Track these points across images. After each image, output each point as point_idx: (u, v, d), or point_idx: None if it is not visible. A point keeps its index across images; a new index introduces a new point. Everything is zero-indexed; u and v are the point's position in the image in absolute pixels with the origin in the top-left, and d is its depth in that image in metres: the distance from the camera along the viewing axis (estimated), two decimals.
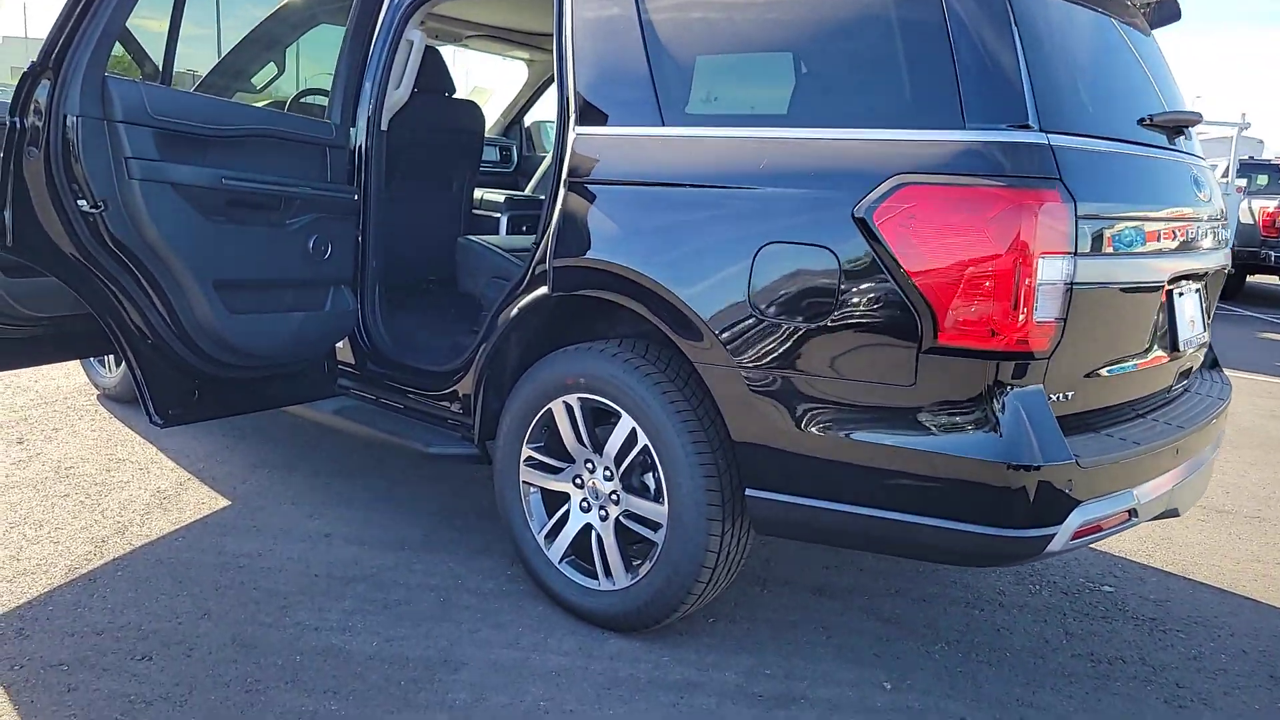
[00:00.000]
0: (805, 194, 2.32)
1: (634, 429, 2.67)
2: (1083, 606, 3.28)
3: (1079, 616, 3.20)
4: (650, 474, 2.76)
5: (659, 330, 2.80)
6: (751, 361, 2.38)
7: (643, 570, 2.71)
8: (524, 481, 2.98)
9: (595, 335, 3.14)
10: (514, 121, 5.64)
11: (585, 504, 2.87)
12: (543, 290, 2.85)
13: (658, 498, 2.68)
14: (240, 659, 2.58)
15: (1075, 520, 2.20)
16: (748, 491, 2.46)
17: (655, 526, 2.69)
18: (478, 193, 4.53)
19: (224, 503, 3.63)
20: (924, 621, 3.07)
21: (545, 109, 6.28)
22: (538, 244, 2.89)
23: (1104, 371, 2.37)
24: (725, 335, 2.41)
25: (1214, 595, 3.45)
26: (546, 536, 2.95)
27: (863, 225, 2.21)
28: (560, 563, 2.91)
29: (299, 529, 3.44)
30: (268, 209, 3.02)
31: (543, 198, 4.70)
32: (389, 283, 3.68)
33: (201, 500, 3.63)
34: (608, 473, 2.79)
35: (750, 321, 2.37)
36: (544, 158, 5.66)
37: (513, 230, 4.27)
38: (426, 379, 3.33)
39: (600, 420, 2.89)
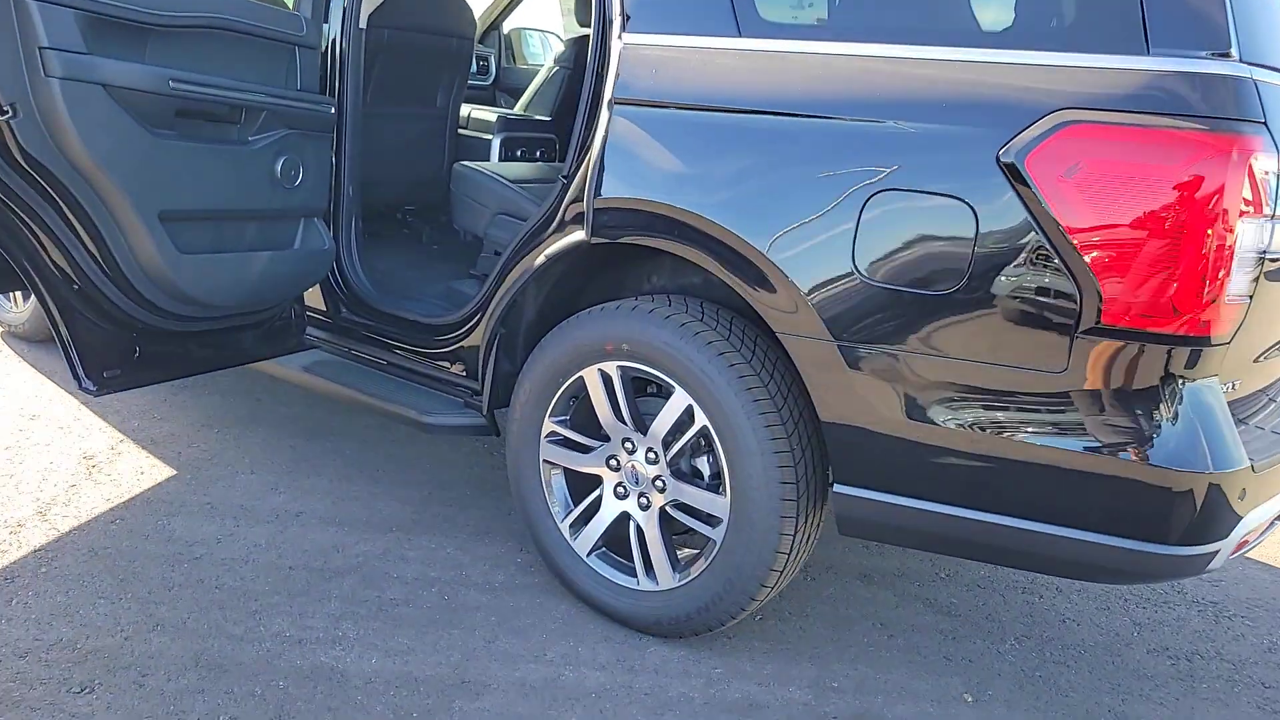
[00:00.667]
0: (934, 130, 1.87)
1: (690, 406, 2.24)
2: (1140, 590, 3.02)
3: (1140, 602, 2.93)
4: (705, 459, 2.34)
5: (726, 289, 2.36)
6: (854, 335, 1.95)
7: (695, 570, 2.30)
8: (545, 461, 2.53)
9: (623, 290, 2.67)
10: (492, 27, 4.98)
11: (621, 489, 2.44)
12: (578, 235, 2.36)
13: (716, 487, 2.27)
14: (207, 688, 2.10)
15: (1239, 532, 1.86)
16: (836, 487, 2.06)
17: (711, 521, 2.28)
18: (464, 109, 3.94)
19: (168, 471, 3.09)
20: (984, 613, 2.76)
21: (527, 13, 5.60)
22: (568, 177, 2.38)
23: (1261, 356, 2.01)
24: (820, 301, 1.97)
25: (1262, 572, 3.23)
26: (572, 526, 2.52)
27: (1011, 172, 1.78)
28: (589, 556, 2.49)
29: (263, 506, 2.93)
30: (226, 122, 2.43)
31: (539, 118, 4.14)
32: (368, 215, 3.12)
33: (141, 469, 3.08)
34: (651, 455, 2.36)
35: (854, 286, 1.94)
36: (527, 70, 5.04)
37: (506, 156, 3.72)
38: (418, 333, 2.82)
39: (640, 391, 2.44)
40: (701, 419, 2.22)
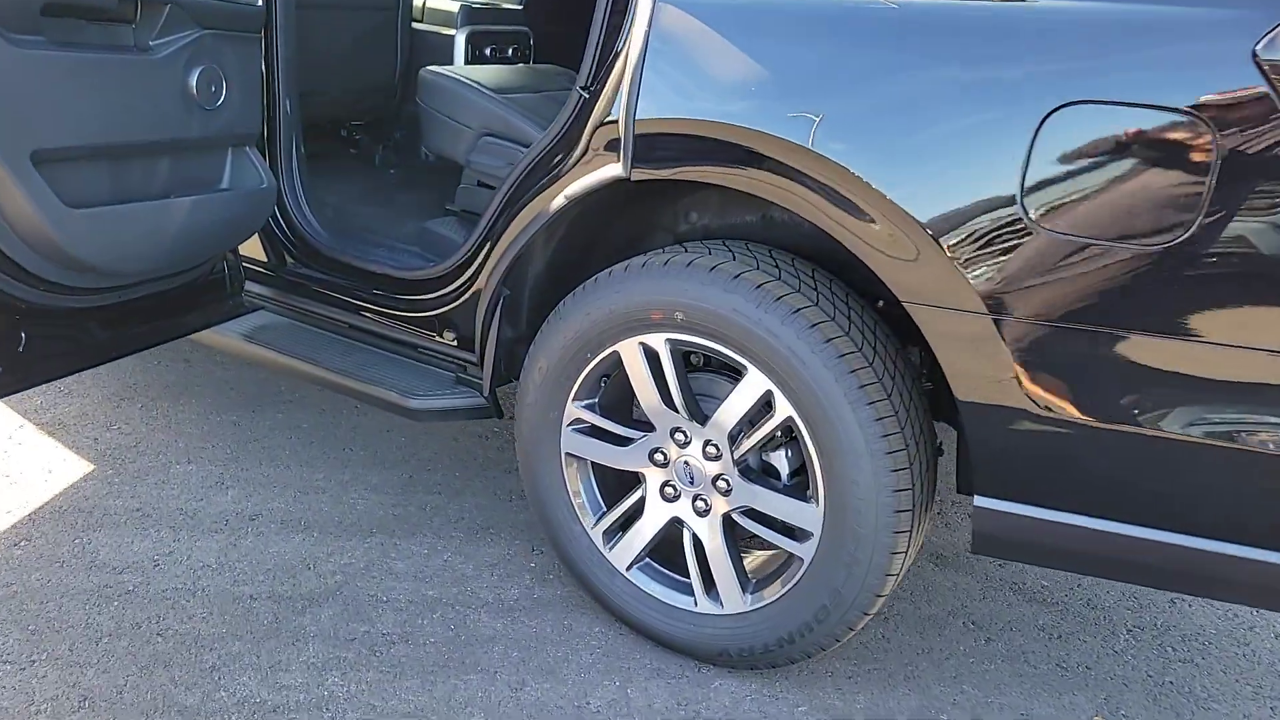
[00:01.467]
0: (1146, 17, 1.32)
1: (769, 393, 1.72)
2: None
3: None
4: (784, 454, 1.84)
5: (802, 230, 1.82)
6: (1020, 306, 1.43)
7: (772, 594, 1.83)
8: (568, 454, 2.01)
9: (655, 231, 2.10)
10: None
11: (670, 489, 1.93)
12: (610, 169, 1.78)
13: (801, 493, 1.78)
14: None
15: None
16: (978, 500, 1.58)
17: (796, 534, 1.80)
18: None
19: (83, 466, 2.49)
20: (1082, 598, 2.35)
21: None
22: (590, 89, 1.79)
23: None
24: (972, 260, 1.44)
25: None
26: (607, 533, 2.02)
27: (1275, 75, 1.25)
28: (630, 570, 2.00)
29: (208, 509, 2.36)
30: (116, 22, 1.77)
31: (508, 5, 3.44)
32: (312, 137, 2.47)
33: (48, 465, 2.48)
34: (712, 450, 1.85)
35: (1023, 239, 1.41)
36: None
37: (473, 56, 3.04)
38: (392, 291, 2.23)
39: (688, 365, 1.91)
40: (785, 409, 1.71)
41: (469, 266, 2.08)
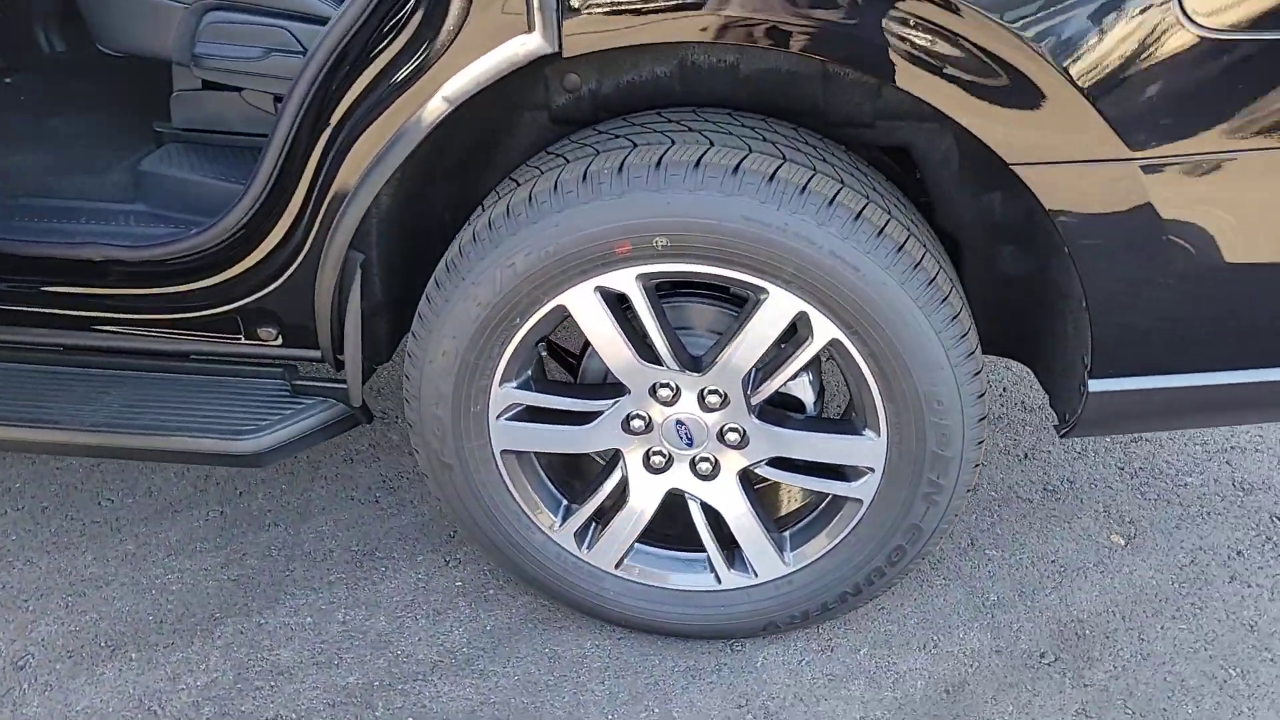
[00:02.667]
0: None
1: (804, 315, 1.28)
2: None
3: None
4: (805, 382, 1.42)
5: (768, 90, 1.34)
6: (1177, 139, 1.08)
7: (820, 548, 1.46)
8: (505, 452, 1.45)
9: (513, 128, 1.50)
10: None
11: (659, 459, 1.46)
12: (524, 42, 1.15)
13: (849, 425, 1.39)
14: None
15: None
16: (1093, 384, 1.28)
17: (847, 473, 1.42)
18: None
19: None
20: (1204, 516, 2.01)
21: None
22: None
23: None
24: (1105, 89, 1.05)
25: None
26: (579, 534, 1.52)
27: None
28: (620, 566, 1.54)
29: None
30: None
31: None
32: None
33: None
34: (714, 399, 1.39)
35: (1179, 48, 1.04)
36: None
37: None
38: (134, 284, 1.46)
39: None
40: (827, 331, 1.28)
41: (273, 224, 1.36)
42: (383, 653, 1.60)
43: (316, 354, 1.47)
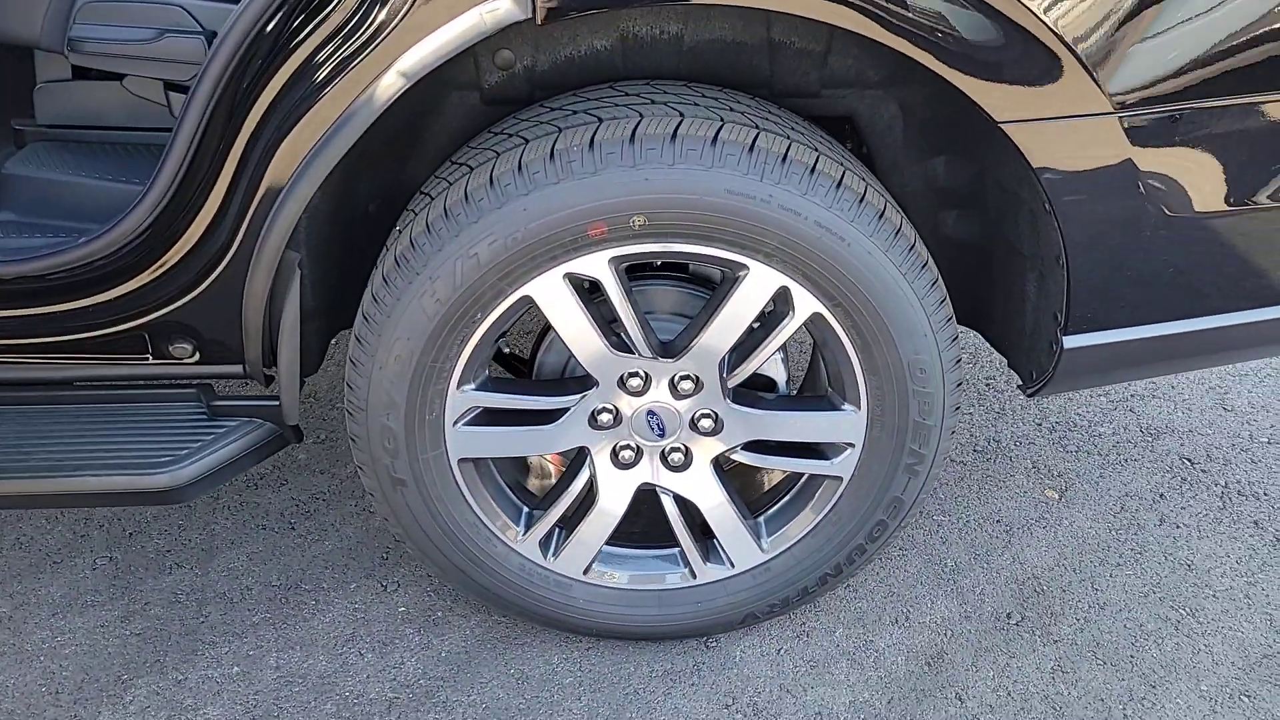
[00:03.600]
0: None
1: (784, 290, 1.22)
2: None
3: None
4: (777, 361, 1.38)
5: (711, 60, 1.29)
6: (1167, 91, 1.10)
7: (800, 529, 1.42)
8: (461, 461, 1.33)
9: (439, 108, 1.38)
10: None
11: (628, 453, 1.37)
12: (496, 6, 1.03)
13: (828, 401, 1.35)
14: None
15: None
16: (1068, 340, 1.29)
17: (824, 450, 1.38)
18: None
19: None
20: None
21: None
22: None
23: None
24: (1098, 48, 1.05)
25: None
26: (543, 541, 1.41)
27: None
28: (588, 571, 1.44)
29: None
30: None
31: None
32: None
33: None
34: (686, 385, 1.32)
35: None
36: None
37: None
38: (20, 309, 1.24)
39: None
40: (808, 305, 1.24)
41: (185, 226, 1.19)
42: (329, 696, 1.45)
43: (238, 369, 1.30)
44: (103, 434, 1.28)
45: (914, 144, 1.43)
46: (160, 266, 1.22)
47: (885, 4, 1.07)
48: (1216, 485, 1.86)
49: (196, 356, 1.28)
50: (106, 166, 1.37)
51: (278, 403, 1.29)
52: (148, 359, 1.28)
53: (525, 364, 1.48)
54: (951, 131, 1.39)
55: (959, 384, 1.32)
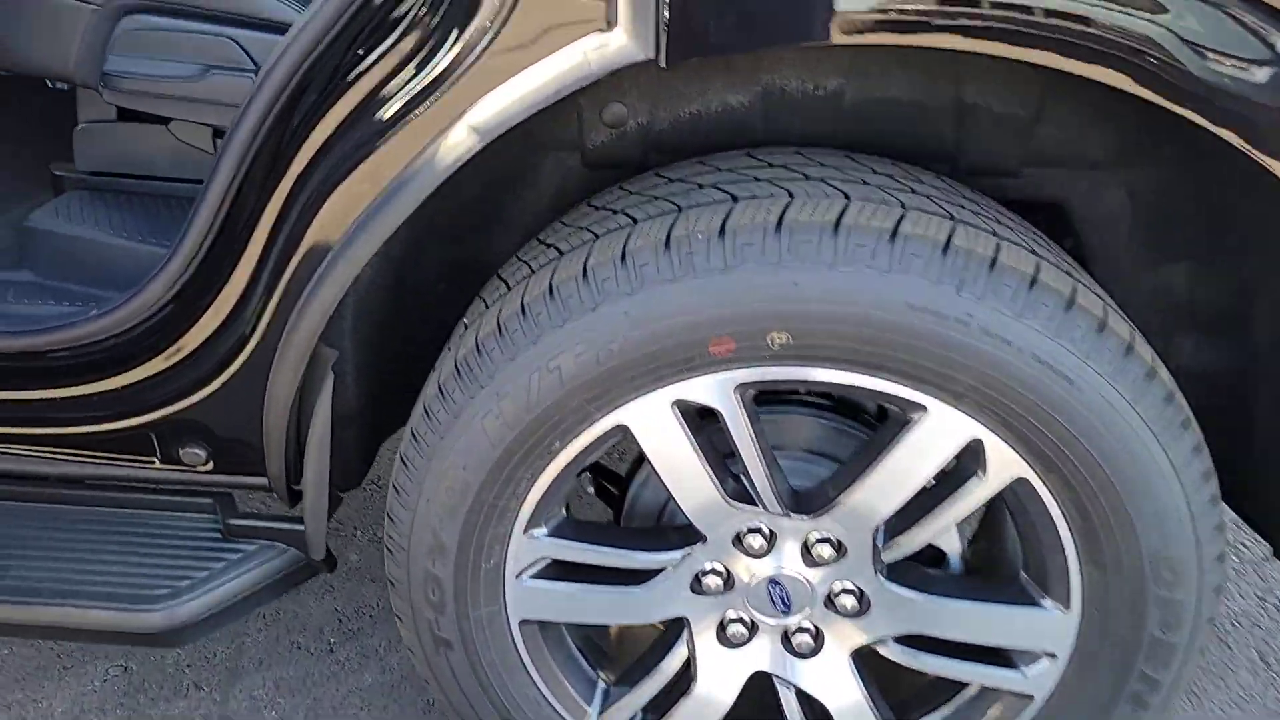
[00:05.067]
0: None
1: (977, 441, 0.89)
2: None
3: None
4: (952, 530, 1.03)
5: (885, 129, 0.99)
6: None
7: None
8: (525, 621, 1.03)
9: (534, 170, 1.11)
10: None
11: (740, 629, 1.04)
12: (615, 46, 0.77)
13: (1023, 592, 1.00)
14: None
15: None
16: None
17: (1009, 658, 1.02)
18: None
19: None
20: None
21: None
22: None
23: None
24: None
25: None
26: None
27: None
28: None
29: None
30: None
31: None
32: None
33: None
34: (828, 548, 0.98)
35: None
36: None
37: None
38: (14, 390, 1.02)
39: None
40: (1009, 468, 0.89)
41: (209, 303, 0.95)
42: None
43: (261, 481, 1.05)
44: (96, 550, 1.04)
45: (1146, 243, 1.08)
46: (175, 352, 0.98)
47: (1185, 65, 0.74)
48: None
49: (210, 464, 1.03)
50: (141, 223, 1.16)
51: (302, 528, 1.03)
52: (154, 462, 1.03)
53: (618, 486, 1.18)
54: (1203, 228, 1.04)
55: (1218, 588, 0.94)
